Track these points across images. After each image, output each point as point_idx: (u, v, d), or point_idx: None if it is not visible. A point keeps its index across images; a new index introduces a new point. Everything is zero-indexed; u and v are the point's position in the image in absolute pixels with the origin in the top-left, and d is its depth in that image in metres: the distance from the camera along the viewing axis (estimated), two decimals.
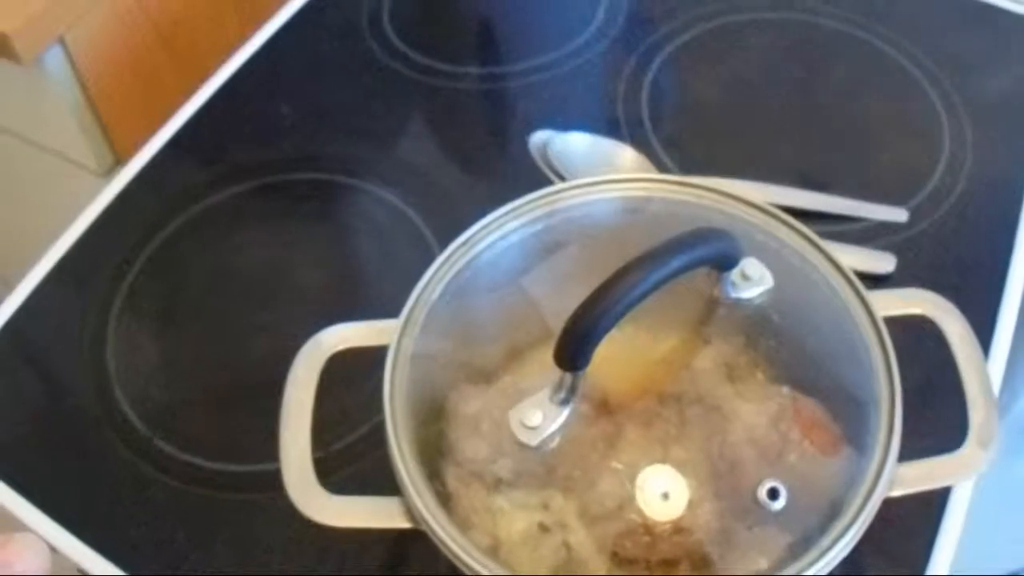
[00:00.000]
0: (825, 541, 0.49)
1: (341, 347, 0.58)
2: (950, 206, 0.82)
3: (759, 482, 0.52)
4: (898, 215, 0.81)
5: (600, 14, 0.98)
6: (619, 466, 0.54)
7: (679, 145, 0.87)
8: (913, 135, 0.88)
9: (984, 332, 0.73)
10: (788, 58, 0.94)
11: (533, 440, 0.51)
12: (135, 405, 0.73)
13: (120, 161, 1.10)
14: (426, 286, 0.58)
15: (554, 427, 0.51)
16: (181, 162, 0.89)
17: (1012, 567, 1.21)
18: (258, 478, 0.69)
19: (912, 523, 0.66)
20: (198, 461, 0.71)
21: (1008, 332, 0.75)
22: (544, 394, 0.52)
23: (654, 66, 0.94)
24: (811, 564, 0.49)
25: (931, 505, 0.67)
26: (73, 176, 1.14)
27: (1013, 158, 0.85)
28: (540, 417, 0.51)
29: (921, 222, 0.81)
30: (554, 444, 0.52)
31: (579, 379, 0.51)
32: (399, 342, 0.56)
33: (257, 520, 0.67)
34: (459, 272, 0.59)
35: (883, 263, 0.77)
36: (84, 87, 1.05)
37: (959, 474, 0.55)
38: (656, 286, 0.47)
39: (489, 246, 0.60)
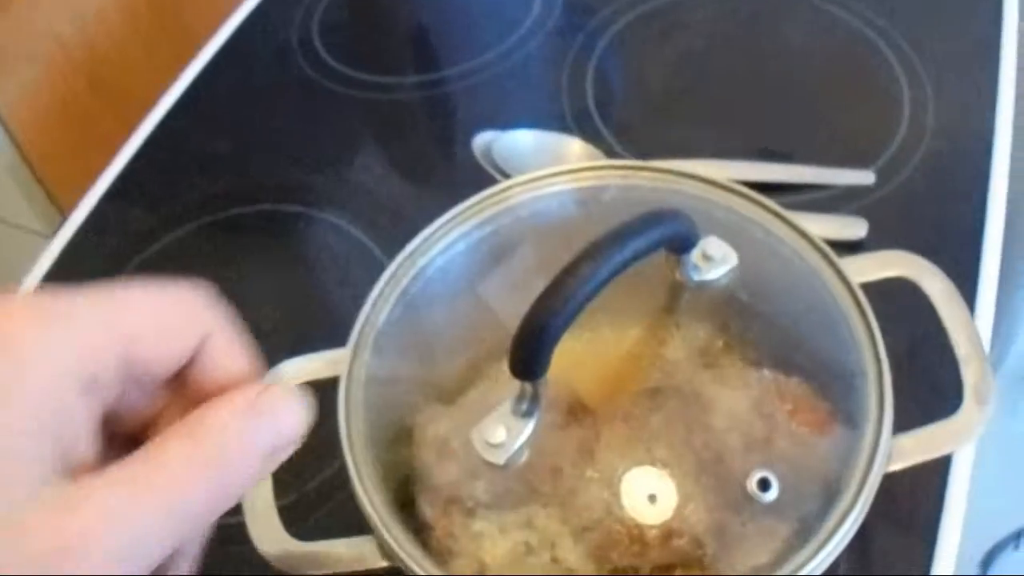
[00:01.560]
0: (824, 530, 0.46)
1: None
2: (917, 163, 0.80)
3: (749, 472, 0.50)
4: (865, 178, 0.79)
5: (536, 7, 0.97)
6: (599, 473, 0.51)
7: (630, 131, 0.85)
8: (871, 95, 0.86)
9: (967, 288, 0.71)
10: (734, 29, 0.93)
11: (500, 458, 0.48)
12: None
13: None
14: (373, 307, 0.55)
15: (520, 441, 0.48)
16: (124, 209, 0.87)
17: (1014, 526, 1.18)
18: (237, 529, 0.66)
19: (917, 493, 0.64)
20: None
21: (991, 286, 0.72)
22: (506, 407, 0.49)
23: (596, 53, 0.92)
24: (811, 558, 0.46)
25: (935, 472, 0.64)
26: (24, 241, 1.12)
27: (976, 108, 0.83)
28: (503, 433, 0.48)
29: (889, 183, 0.79)
30: (524, 459, 0.49)
31: (540, 387, 0.47)
32: (350, 370, 0.53)
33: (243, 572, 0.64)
34: (407, 287, 0.56)
35: (855, 228, 0.75)
36: (18, 147, 1.03)
37: (961, 437, 0.52)
38: (607, 279, 0.43)
39: (437, 256, 0.57)
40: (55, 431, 0.32)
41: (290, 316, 0.78)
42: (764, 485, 0.48)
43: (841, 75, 0.88)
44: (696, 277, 0.54)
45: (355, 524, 0.51)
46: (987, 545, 1.13)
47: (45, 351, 0.32)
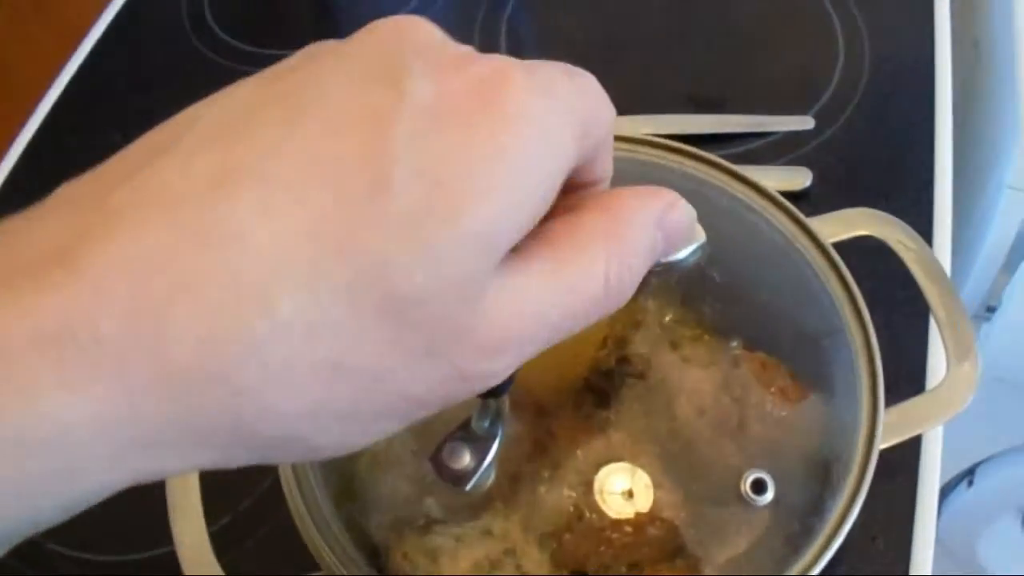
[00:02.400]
0: (828, 525, 0.44)
1: None
2: (857, 104, 0.77)
3: (732, 462, 0.46)
4: (803, 123, 0.76)
5: None
6: (568, 474, 0.46)
7: None
8: (803, 36, 0.83)
9: (922, 228, 0.68)
10: None
11: (466, 484, 0.42)
12: None
13: None
14: None
15: (487, 461, 0.43)
16: (18, 211, 0.80)
17: (965, 464, 1.16)
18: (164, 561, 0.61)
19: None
20: (95, 557, 0.63)
21: (946, 227, 0.70)
22: (465, 424, 0.43)
23: (508, 8, 0.88)
24: (821, 554, 0.43)
25: None
26: None
27: (913, 41, 0.81)
28: (467, 457, 0.42)
29: (830, 127, 0.76)
30: (491, 479, 0.44)
31: (503, 401, 0.42)
32: None
33: None
34: None
35: (798, 178, 0.72)
36: None
37: (949, 407, 0.50)
38: None
39: None
40: (550, 183, 0.30)
41: None
42: (759, 487, 0.45)
43: (769, 17, 0.85)
44: (663, 259, 0.50)
45: (297, 547, 0.47)
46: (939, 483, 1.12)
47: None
